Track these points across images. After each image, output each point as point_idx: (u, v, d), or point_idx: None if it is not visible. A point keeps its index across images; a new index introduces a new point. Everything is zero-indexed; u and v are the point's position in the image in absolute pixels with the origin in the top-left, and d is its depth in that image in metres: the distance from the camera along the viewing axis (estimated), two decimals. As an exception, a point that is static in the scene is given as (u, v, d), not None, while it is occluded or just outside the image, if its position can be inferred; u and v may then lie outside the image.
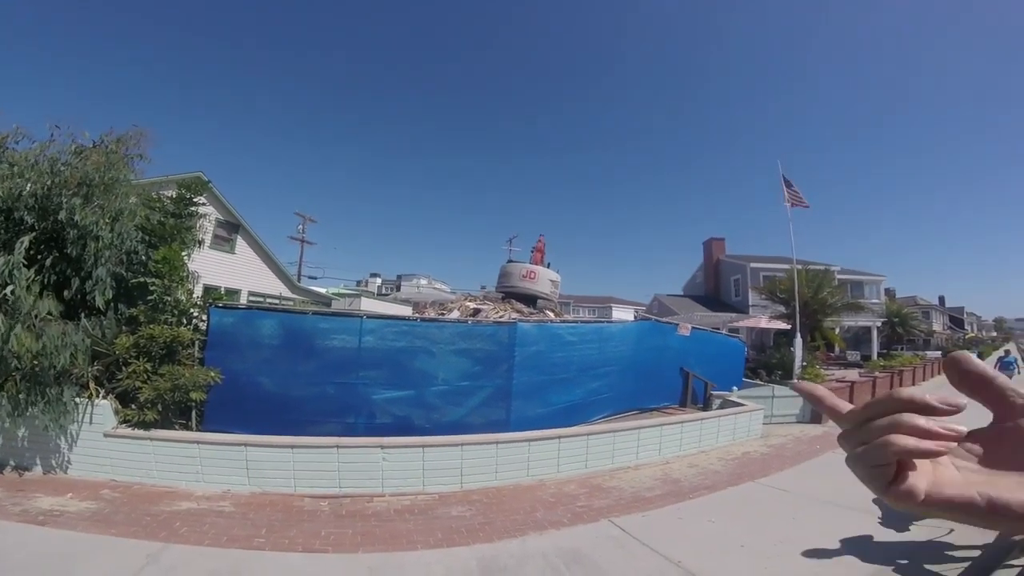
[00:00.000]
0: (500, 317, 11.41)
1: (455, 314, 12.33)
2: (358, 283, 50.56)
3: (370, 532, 5.03)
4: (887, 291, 39.71)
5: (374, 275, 61.09)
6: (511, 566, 4.34)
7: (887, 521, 5.41)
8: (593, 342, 9.79)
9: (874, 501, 6.00)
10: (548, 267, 15.82)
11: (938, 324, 54.14)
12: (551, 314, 13.55)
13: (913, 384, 20.75)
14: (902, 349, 35.01)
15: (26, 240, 6.21)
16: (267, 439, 6.22)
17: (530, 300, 14.42)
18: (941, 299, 65.13)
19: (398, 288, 55.55)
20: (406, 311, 19.59)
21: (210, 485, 6.01)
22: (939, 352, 38.63)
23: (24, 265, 6.03)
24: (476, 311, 12.45)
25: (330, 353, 7.50)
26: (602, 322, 13.61)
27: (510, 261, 16.68)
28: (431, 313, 13.56)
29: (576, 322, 12.30)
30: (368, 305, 22.15)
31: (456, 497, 6.15)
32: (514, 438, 6.95)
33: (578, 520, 5.47)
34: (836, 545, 4.73)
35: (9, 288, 5.80)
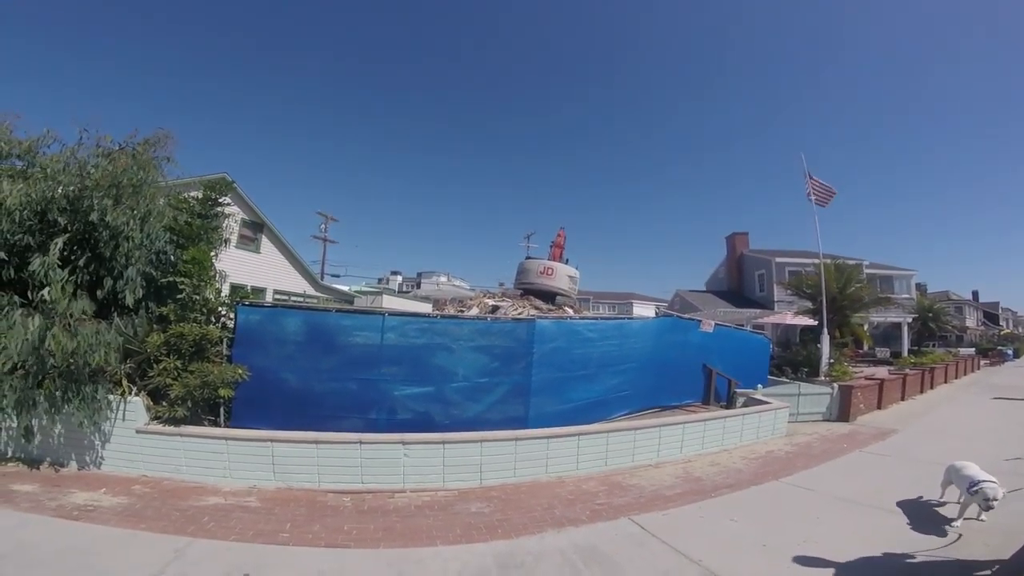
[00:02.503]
0: (519, 314, 11.42)
1: (474, 311, 12.38)
2: (379, 281, 51.23)
3: (391, 527, 5.10)
4: (918, 286, 38.61)
5: (395, 273, 61.87)
6: (528, 563, 4.36)
7: (916, 523, 5.29)
8: (613, 339, 9.74)
9: (898, 504, 5.87)
10: (566, 263, 15.76)
11: (972, 320, 52.39)
12: (570, 311, 13.51)
13: (945, 381, 20.11)
14: (934, 345, 33.99)
15: (60, 241, 6.41)
16: (293, 435, 6.35)
17: (548, 297, 14.39)
18: (975, 294, 62.97)
19: (418, 285, 56.15)
20: (426, 308, 19.75)
21: (237, 481, 6.16)
22: (972, 349, 37.39)
23: (59, 266, 6.24)
24: (495, 308, 12.49)
25: (353, 350, 7.63)
26: (622, 318, 13.52)
27: (528, 258, 16.67)
28: (451, 310, 13.64)
29: (596, 318, 12.24)
30: (389, 303, 22.36)
31: (475, 493, 6.20)
32: (533, 435, 6.96)
33: (597, 517, 5.46)
34: (861, 545, 4.64)
35: (46, 289, 6.03)
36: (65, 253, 6.52)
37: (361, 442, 6.33)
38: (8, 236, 6.43)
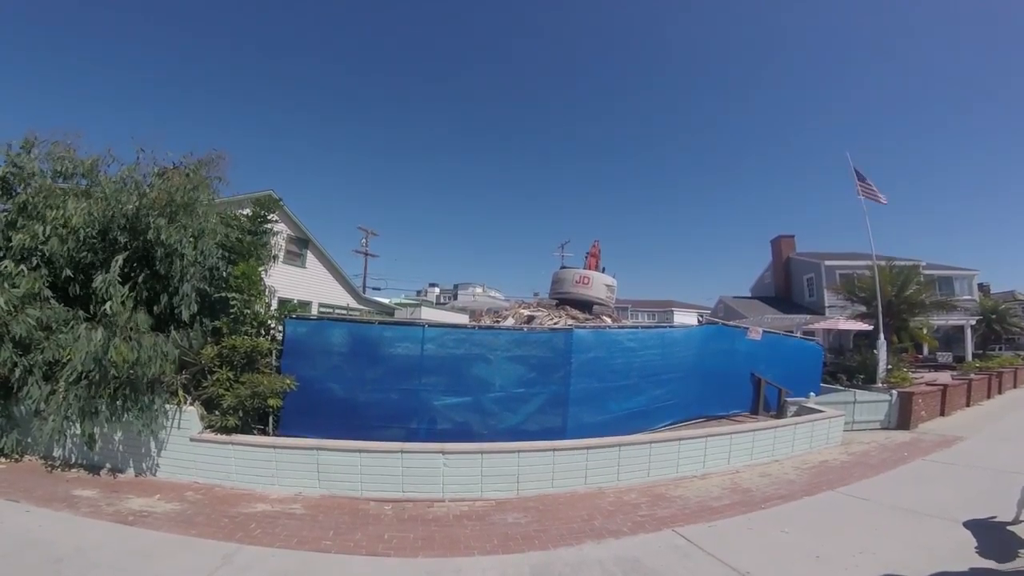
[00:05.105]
0: (555, 324, 11.36)
1: (510, 321, 12.39)
2: (418, 293, 52.09)
3: (430, 537, 5.13)
4: (981, 286, 36.03)
5: (432, 285, 62.81)
6: (566, 574, 4.30)
7: (985, 536, 4.91)
8: (654, 348, 9.53)
9: (965, 515, 5.45)
10: (603, 272, 15.54)
11: (1042, 320, 48.42)
12: (608, 320, 13.33)
13: (1014, 386, 18.89)
14: (1000, 349, 31.60)
15: (120, 259, 6.77)
16: (337, 443, 6.49)
17: (585, 306, 14.20)
18: (1047, 293, 58.44)
19: (455, 297, 56.92)
20: (463, 319, 19.96)
21: (284, 488, 6.33)
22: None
23: (119, 282, 6.61)
24: (530, 318, 12.45)
25: (394, 360, 7.73)
26: (664, 327, 13.25)
27: (563, 267, 16.57)
28: (487, 321, 13.69)
29: (636, 327, 12.04)
30: (428, 314, 22.82)
31: (512, 504, 6.16)
32: (572, 445, 6.88)
33: (639, 529, 5.33)
34: (923, 558, 4.36)
35: (108, 303, 6.40)
36: (125, 270, 6.87)
37: (403, 451, 6.41)
38: (74, 254, 6.87)
